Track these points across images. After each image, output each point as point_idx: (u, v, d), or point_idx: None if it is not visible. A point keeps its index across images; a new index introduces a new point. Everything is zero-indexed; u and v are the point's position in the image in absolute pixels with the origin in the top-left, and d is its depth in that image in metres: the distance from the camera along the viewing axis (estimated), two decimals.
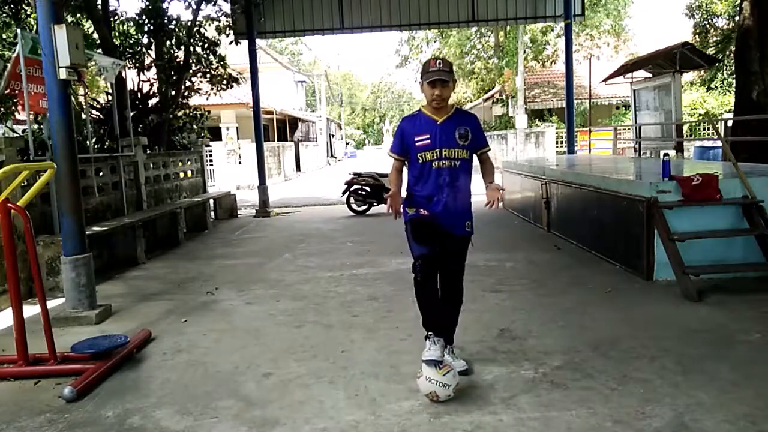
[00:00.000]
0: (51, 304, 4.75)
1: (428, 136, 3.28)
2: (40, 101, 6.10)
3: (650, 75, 12.52)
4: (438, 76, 3.22)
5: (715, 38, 20.60)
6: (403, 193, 3.47)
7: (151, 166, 9.05)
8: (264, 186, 12.17)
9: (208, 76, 11.03)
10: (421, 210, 3.34)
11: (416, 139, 3.30)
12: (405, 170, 3.50)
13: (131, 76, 9.94)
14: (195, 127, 11.40)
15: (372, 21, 12.76)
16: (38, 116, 6.42)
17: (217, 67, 11.09)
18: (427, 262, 3.29)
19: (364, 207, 11.24)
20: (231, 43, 11.58)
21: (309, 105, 46.95)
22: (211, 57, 10.88)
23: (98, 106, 9.68)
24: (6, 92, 6.34)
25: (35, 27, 5.85)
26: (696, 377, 3.25)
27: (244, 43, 12.15)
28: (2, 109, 8.23)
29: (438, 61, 3.29)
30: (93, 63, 7.47)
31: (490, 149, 3.52)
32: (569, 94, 12.82)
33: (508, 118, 26.35)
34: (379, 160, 34.79)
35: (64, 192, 4.89)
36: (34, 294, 4.60)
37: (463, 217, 3.37)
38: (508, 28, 24.81)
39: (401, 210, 3.39)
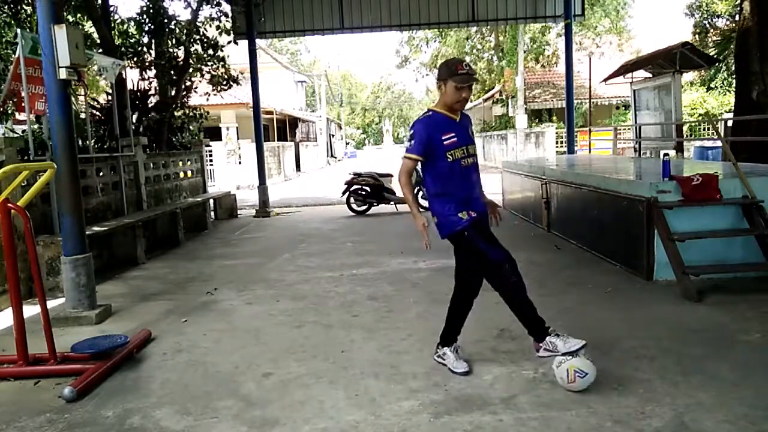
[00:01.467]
0: (51, 304, 4.75)
1: (454, 134, 3.31)
2: (37, 102, 6.10)
3: (650, 75, 12.52)
4: (470, 81, 3.25)
5: (715, 38, 20.59)
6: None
7: (151, 166, 9.05)
8: (264, 186, 12.17)
9: (207, 75, 11.04)
10: (470, 213, 3.33)
11: (444, 138, 3.29)
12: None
13: (131, 76, 9.95)
14: (192, 127, 11.40)
15: (372, 21, 12.76)
16: (39, 116, 6.42)
17: (217, 67, 11.10)
18: (513, 261, 3.39)
19: (364, 207, 11.24)
20: (229, 42, 11.58)
21: (309, 105, 46.94)
22: (211, 54, 10.89)
23: (98, 106, 9.68)
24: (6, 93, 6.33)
25: (35, 27, 5.84)
26: (696, 377, 3.25)
27: (244, 43, 12.15)
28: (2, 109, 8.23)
29: (464, 63, 3.27)
30: (93, 63, 7.47)
31: None
32: (569, 94, 12.82)
33: (508, 118, 26.38)
34: (379, 160, 34.82)
35: (64, 192, 4.89)
36: (34, 294, 4.60)
37: (485, 208, 3.50)
38: (508, 28, 24.80)
39: (452, 219, 3.31)
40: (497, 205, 3.68)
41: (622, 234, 5.84)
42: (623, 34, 28.54)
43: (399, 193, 9.62)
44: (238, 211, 12.15)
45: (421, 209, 3.47)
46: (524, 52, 24.74)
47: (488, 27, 26.80)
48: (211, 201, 11.03)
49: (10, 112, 8.38)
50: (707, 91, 24.16)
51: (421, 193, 9.78)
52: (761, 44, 9.90)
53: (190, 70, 10.64)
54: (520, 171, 9.97)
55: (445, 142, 3.28)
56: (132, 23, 10.12)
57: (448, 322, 3.57)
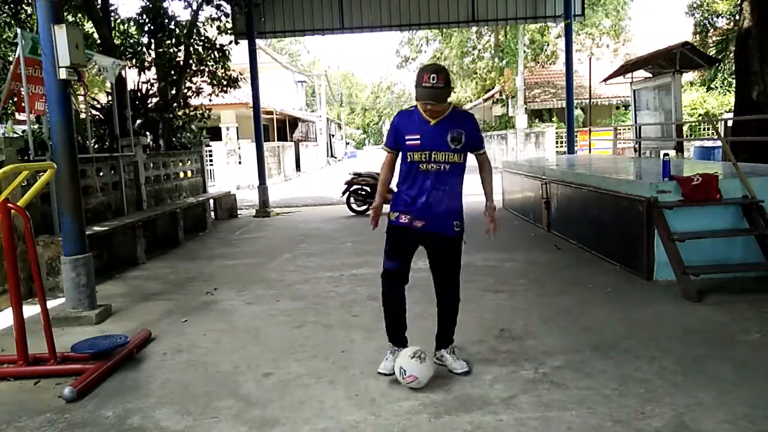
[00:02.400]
0: (51, 304, 4.75)
1: (418, 136, 3.20)
2: (37, 103, 6.09)
3: (650, 75, 12.52)
4: (429, 98, 3.09)
5: (715, 38, 20.60)
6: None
7: (151, 166, 9.05)
8: (264, 186, 12.17)
9: (208, 76, 11.04)
10: (402, 217, 3.31)
11: (407, 137, 3.24)
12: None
13: (131, 76, 9.94)
14: (194, 126, 11.40)
15: (372, 21, 12.75)
16: (39, 116, 6.43)
17: (217, 68, 11.10)
18: (393, 278, 3.38)
19: (364, 207, 11.23)
20: (230, 43, 11.59)
21: (309, 105, 46.93)
22: (212, 56, 10.90)
23: (98, 106, 9.68)
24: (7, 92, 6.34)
25: (35, 27, 5.84)
26: (696, 377, 3.25)
27: (244, 43, 12.16)
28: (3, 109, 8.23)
29: (432, 75, 3.06)
30: (93, 63, 7.47)
31: (485, 151, 3.50)
32: (569, 94, 12.81)
33: (508, 118, 26.36)
34: (379, 160, 34.73)
35: (64, 192, 4.89)
36: (34, 294, 4.60)
37: (450, 218, 3.31)
38: (508, 28, 24.79)
39: (389, 216, 3.40)
40: (494, 217, 3.48)
41: (622, 234, 5.84)
42: (621, 35, 28.46)
43: None
44: (238, 211, 12.15)
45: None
46: (524, 52, 24.73)
47: (488, 27, 26.77)
48: (211, 201, 11.03)
49: (10, 112, 8.37)
50: (707, 91, 24.15)
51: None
52: (761, 44, 9.90)
53: (190, 69, 10.65)
54: (520, 171, 9.97)
55: (407, 142, 3.24)
56: (132, 23, 10.12)
57: (444, 322, 3.54)
